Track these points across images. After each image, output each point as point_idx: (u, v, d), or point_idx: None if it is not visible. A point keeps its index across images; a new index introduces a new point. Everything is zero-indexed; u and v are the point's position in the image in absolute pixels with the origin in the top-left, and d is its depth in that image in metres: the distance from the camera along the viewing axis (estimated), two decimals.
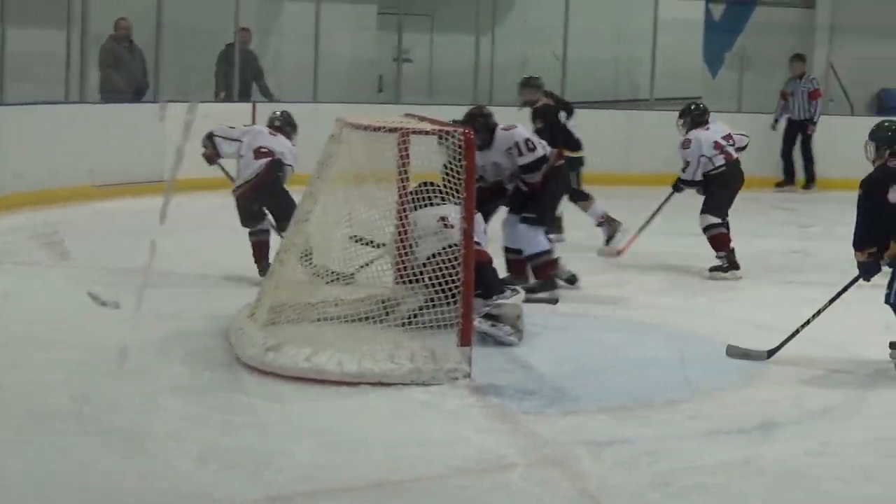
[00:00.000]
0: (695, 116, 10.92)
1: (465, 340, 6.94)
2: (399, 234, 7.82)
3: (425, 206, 7.90)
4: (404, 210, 7.90)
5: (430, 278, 7.45)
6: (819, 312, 7.75)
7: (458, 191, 7.20)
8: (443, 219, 7.85)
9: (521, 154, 9.15)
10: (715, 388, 6.94)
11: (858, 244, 7.49)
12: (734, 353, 7.71)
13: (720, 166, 10.57)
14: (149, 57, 15.24)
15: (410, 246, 7.78)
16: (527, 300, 8.06)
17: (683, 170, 10.71)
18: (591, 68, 19.34)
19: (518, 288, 8.16)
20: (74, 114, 14.01)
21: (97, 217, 12.70)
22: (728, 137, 10.72)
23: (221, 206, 12.87)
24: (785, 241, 11.83)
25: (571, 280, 9.53)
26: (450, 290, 7.18)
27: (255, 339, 7.14)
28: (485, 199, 8.78)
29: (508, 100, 15.05)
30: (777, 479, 5.59)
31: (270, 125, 10.10)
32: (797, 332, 7.69)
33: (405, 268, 7.78)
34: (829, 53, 19.60)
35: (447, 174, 7.44)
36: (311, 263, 7.81)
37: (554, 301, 8.22)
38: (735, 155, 10.65)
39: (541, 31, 18.90)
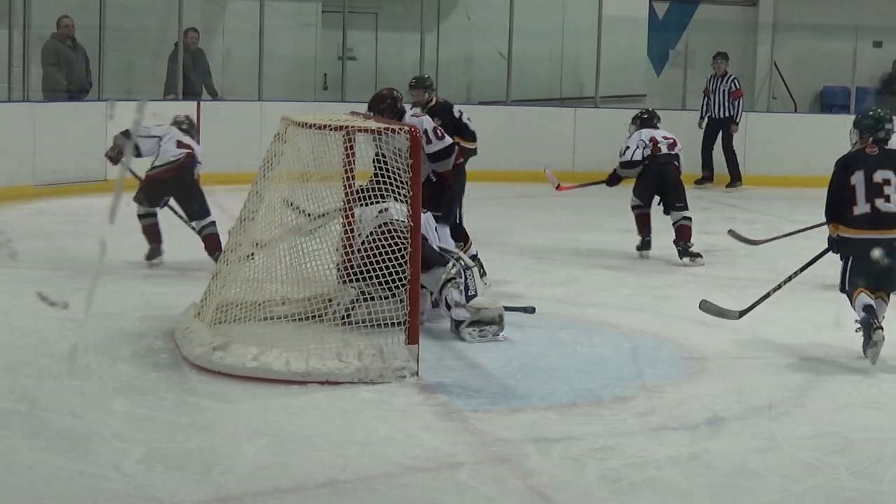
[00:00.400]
0: (644, 120, 11.71)
1: (412, 339, 6.94)
2: (344, 232, 7.80)
3: (371, 203, 7.91)
4: (350, 208, 7.89)
5: (364, 260, 7.45)
6: (790, 279, 8.23)
7: (401, 188, 7.18)
8: (383, 210, 7.86)
9: (429, 142, 8.94)
10: (662, 385, 6.96)
11: (829, 218, 7.84)
12: (708, 308, 8.17)
13: (646, 157, 11.29)
14: (91, 56, 15.14)
15: (354, 244, 7.78)
16: (505, 309, 8.05)
17: (621, 154, 11.47)
18: (535, 66, 19.42)
19: (470, 261, 8.17)
20: (16, 113, 13.89)
21: (39, 217, 12.60)
22: (670, 139, 11.44)
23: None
24: (730, 238, 11.86)
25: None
26: (387, 269, 7.16)
27: (202, 338, 7.10)
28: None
29: (454, 97, 15.06)
30: (724, 473, 5.62)
31: (179, 127, 10.48)
32: (768, 295, 8.16)
33: (351, 266, 7.76)
34: (773, 51, 19.72)
35: (383, 170, 7.41)
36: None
37: (531, 310, 8.21)
38: (664, 151, 11.30)
39: (485, 29, 18.95)
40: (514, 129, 16.97)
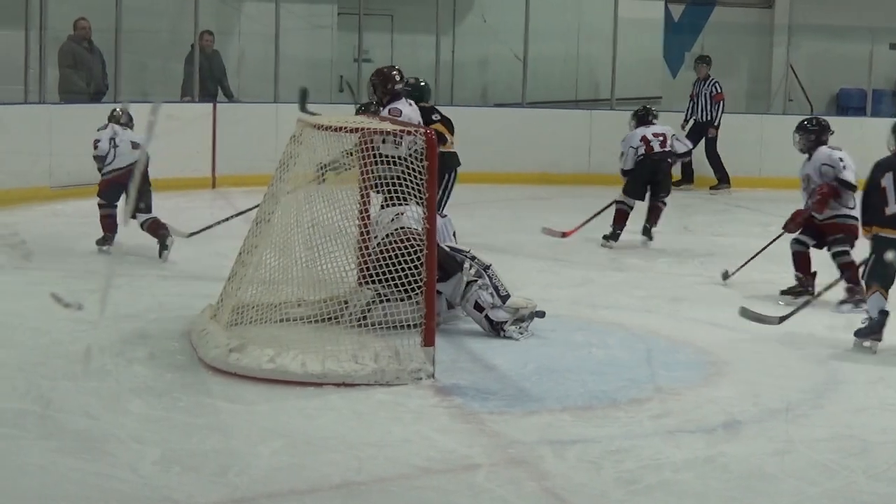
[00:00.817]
0: (640, 116, 12.43)
1: (428, 341, 6.93)
2: (360, 234, 7.80)
3: (387, 206, 7.92)
4: (365, 210, 7.89)
5: (378, 263, 7.46)
6: (829, 287, 8.79)
7: (418, 191, 7.18)
8: (398, 215, 7.86)
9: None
10: (678, 387, 6.95)
11: (863, 220, 8.15)
12: (748, 315, 8.30)
13: (640, 156, 12.03)
14: (107, 58, 15.16)
15: (369, 245, 7.78)
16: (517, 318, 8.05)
17: (620, 160, 12.23)
18: (551, 68, 19.40)
19: (475, 258, 8.14)
20: (33, 114, 13.92)
21: (54, 219, 12.61)
22: (661, 136, 12.16)
23: (181, 208, 12.87)
24: (746, 240, 11.84)
25: None
26: (402, 271, 7.17)
27: (218, 340, 7.11)
28: None
29: (470, 99, 15.08)
30: (740, 476, 5.60)
31: (117, 122, 11.02)
32: (808, 302, 8.64)
33: (367, 268, 7.76)
34: (788, 53, 19.67)
35: (396, 173, 7.40)
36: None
37: (541, 314, 8.21)
38: (657, 149, 12.06)
39: (501, 31, 18.93)
40: (530, 131, 16.96)
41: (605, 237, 12.00)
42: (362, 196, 7.95)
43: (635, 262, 11.10)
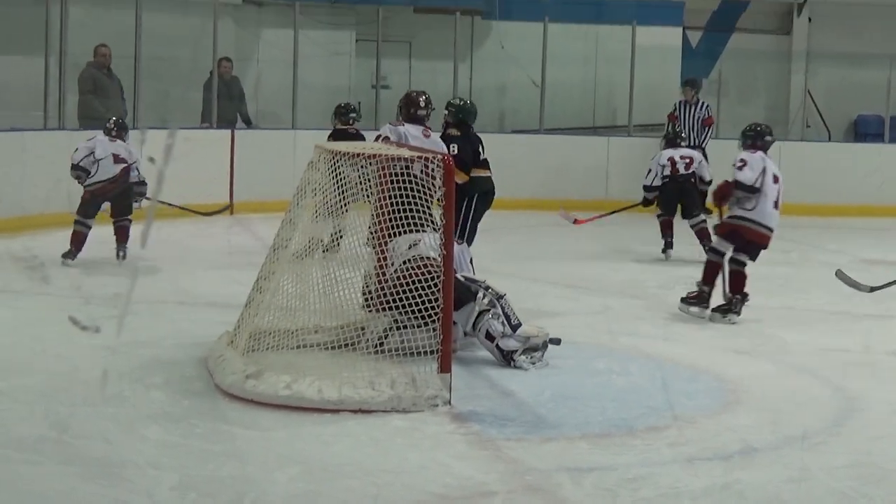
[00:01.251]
0: (669, 139, 13.45)
1: (444, 367, 6.93)
2: (377, 261, 7.81)
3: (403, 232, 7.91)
4: (383, 237, 7.88)
5: (396, 289, 7.45)
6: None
7: (431, 217, 7.19)
8: (415, 243, 7.86)
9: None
10: (695, 415, 6.93)
11: None
12: (843, 278, 9.03)
13: (666, 177, 12.83)
14: (126, 85, 15.23)
15: (386, 272, 7.79)
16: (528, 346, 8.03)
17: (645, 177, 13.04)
18: (569, 94, 19.42)
19: (489, 287, 8.10)
20: (53, 140, 13.97)
21: None
22: (687, 158, 12.97)
23: (197, 234, 12.90)
24: (767, 268, 11.82)
25: None
26: (419, 301, 7.17)
27: (235, 366, 7.11)
28: None
29: (487, 125, 15.11)
30: None
31: (108, 133, 11.62)
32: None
33: (383, 295, 7.76)
34: (806, 80, 19.67)
35: (415, 197, 7.40)
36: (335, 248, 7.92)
37: (557, 342, 8.19)
38: (682, 171, 12.83)
39: (519, 57, 18.97)
40: (547, 157, 16.99)
41: (663, 250, 12.93)
42: (379, 223, 7.95)
43: (654, 291, 11.08)
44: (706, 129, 16.79)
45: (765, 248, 9.71)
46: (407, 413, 6.69)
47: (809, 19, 21.67)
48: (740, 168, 9.54)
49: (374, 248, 7.85)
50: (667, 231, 12.93)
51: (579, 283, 11.25)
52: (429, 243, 7.68)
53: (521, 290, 9.53)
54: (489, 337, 7.88)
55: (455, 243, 7.47)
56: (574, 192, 16.70)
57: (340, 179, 7.52)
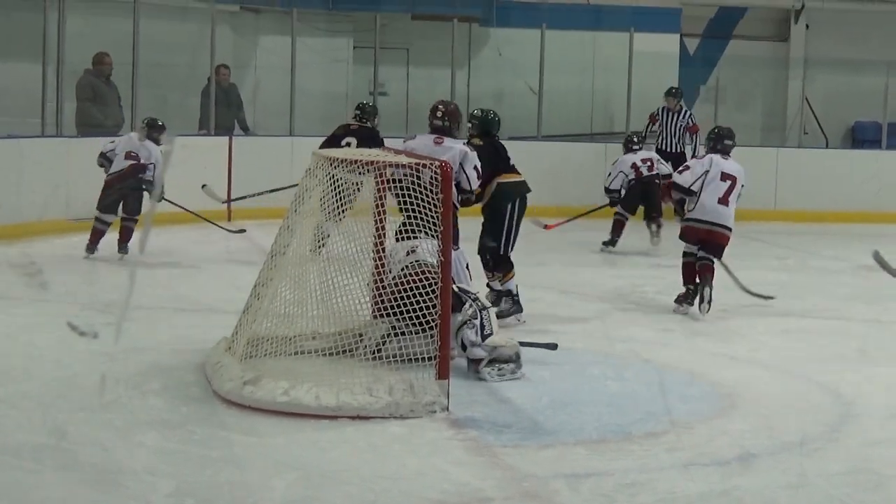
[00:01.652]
0: (625, 143, 14.41)
1: (442, 373, 6.93)
2: (375, 267, 7.82)
3: (401, 239, 7.91)
4: (381, 244, 7.89)
5: (395, 296, 7.45)
6: None
7: (433, 224, 7.19)
8: (412, 250, 7.86)
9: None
10: (692, 420, 6.93)
11: None
12: (879, 260, 9.03)
13: (631, 179, 13.88)
14: (124, 92, 15.24)
15: (384, 278, 7.79)
16: (526, 345, 8.02)
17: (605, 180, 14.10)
18: (566, 101, 19.44)
19: (477, 299, 8.07)
20: (51, 147, 13.99)
21: (72, 251, 12.63)
22: (648, 161, 14.04)
23: (196, 241, 12.91)
24: (762, 273, 11.86)
25: None
26: (417, 307, 7.18)
27: (233, 372, 7.12)
28: None
29: None
30: None
31: (140, 132, 12.25)
32: None
33: (381, 301, 7.76)
34: (804, 86, 19.69)
35: (413, 204, 7.40)
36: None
37: (553, 347, 8.18)
38: (646, 173, 13.89)
39: (516, 64, 18.99)
40: (545, 164, 16.97)
41: (604, 243, 13.74)
42: (377, 229, 7.95)
43: (651, 296, 11.09)
44: (693, 136, 16.87)
45: (706, 241, 10.10)
46: (405, 419, 6.69)
47: (807, 26, 21.70)
48: (681, 172, 10.35)
49: (373, 254, 7.86)
50: (618, 229, 13.79)
51: (575, 290, 11.26)
52: (427, 249, 7.69)
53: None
54: (463, 346, 7.84)
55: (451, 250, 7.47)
56: (571, 198, 16.67)
57: (337, 185, 7.53)
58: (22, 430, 6.41)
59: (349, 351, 7.48)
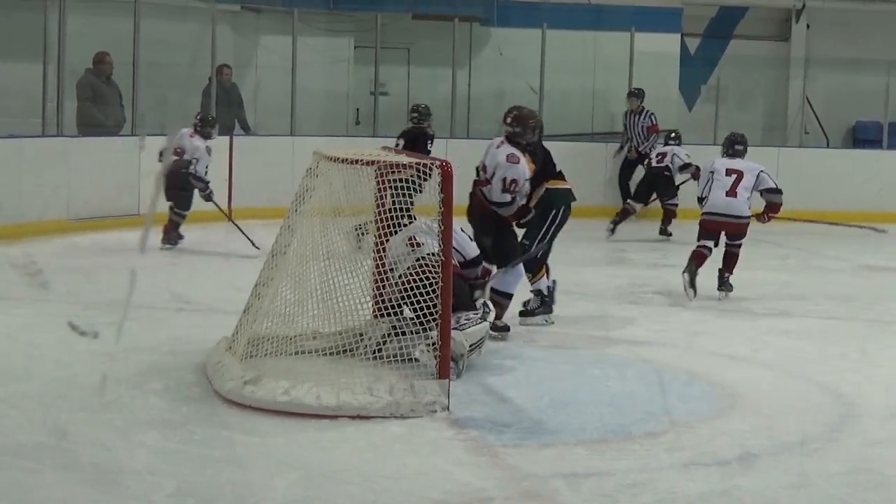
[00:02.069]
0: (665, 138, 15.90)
1: (443, 373, 6.93)
2: (376, 266, 7.82)
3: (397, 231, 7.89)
4: (381, 243, 7.88)
5: (401, 297, 7.45)
6: None
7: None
8: (410, 240, 7.86)
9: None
10: (693, 420, 6.93)
11: None
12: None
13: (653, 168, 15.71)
14: (125, 91, 15.24)
15: (386, 277, 7.79)
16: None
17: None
18: (567, 101, 19.44)
19: (488, 308, 8.05)
20: (51, 147, 13.99)
21: (72, 251, 12.66)
22: (661, 155, 15.56)
23: (197, 240, 12.91)
24: (763, 273, 11.86)
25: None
26: (422, 309, 7.18)
27: (233, 372, 7.11)
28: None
29: (486, 132, 15.10)
30: None
31: (194, 129, 12.94)
32: None
33: (383, 300, 7.76)
34: (805, 86, 19.69)
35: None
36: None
37: (505, 329, 8.13)
38: (654, 164, 15.62)
39: (517, 64, 18.98)
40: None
41: (611, 229, 15.01)
42: (378, 228, 7.95)
43: (652, 296, 11.09)
44: (651, 136, 17.01)
45: (721, 232, 10.91)
46: (405, 419, 6.69)
47: (808, 26, 21.69)
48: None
49: (374, 254, 7.86)
50: (623, 217, 15.26)
51: (576, 289, 11.23)
52: (420, 227, 7.70)
53: (517, 296, 9.53)
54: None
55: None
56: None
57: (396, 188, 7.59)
58: (22, 430, 6.41)
59: (350, 350, 7.49)
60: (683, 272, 10.64)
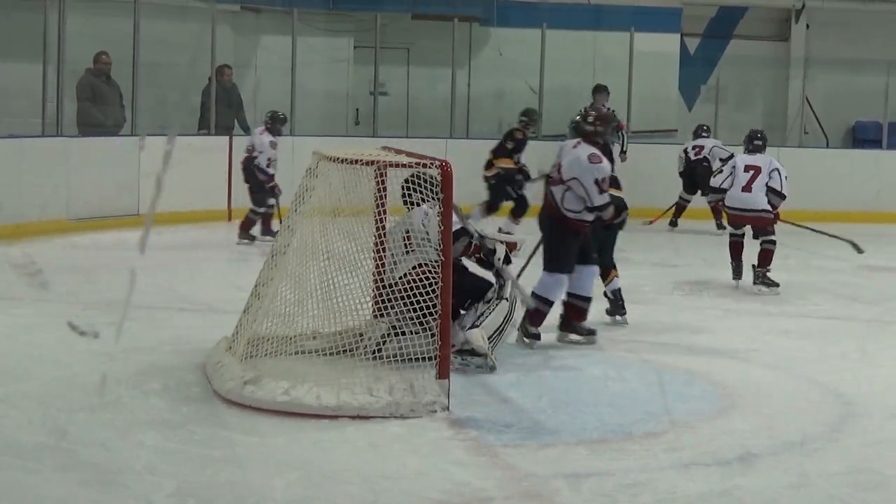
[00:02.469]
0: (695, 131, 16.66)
1: (443, 373, 6.93)
2: (375, 266, 7.81)
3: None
4: (381, 244, 7.88)
5: (400, 299, 7.45)
6: None
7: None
8: (406, 234, 7.85)
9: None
10: (693, 420, 6.93)
11: None
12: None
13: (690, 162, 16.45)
14: (125, 91, 15.24)
15: (387, 276, 7.79)
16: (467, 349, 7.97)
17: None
18: (566, 100, 19.42)
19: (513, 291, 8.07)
20: (51, 147, 13.99)
21: (72, 251, 12.66)
22: (697, 147, 16.38)
23: (196, 240, 12.91)
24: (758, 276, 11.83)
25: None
26: (420, 312, 7.19)
27: (233, 372, 7.11)
28: None
29: (486, 132, 15.10)
30: None
31: (265, 126, 13.68)
32: None
33: (383, 299, 7.76)
34: (804, 86, 19.69)
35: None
36: None
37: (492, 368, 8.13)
38: (692, 157, 16.25)
39: (517, 64, 18.98)
40: (546, 164, 16.95)
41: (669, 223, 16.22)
42: (378, 228, 7.95)
43: (652, 296, 11.09)
44: (619, 133, 16.77)
45: (736, 225, 11.58)
46: (405, 419, 6.70)
47: (807, 26, 21.70)
48: (715, 175, 12.31)
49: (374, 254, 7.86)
50: (678, 212, 16.37)
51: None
52: (418, 216, 7.72)
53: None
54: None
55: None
56: None
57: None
58: (22, 430, 6.41)
59: (349, 350, 7.48)
60: (755, 274, 11.31)
